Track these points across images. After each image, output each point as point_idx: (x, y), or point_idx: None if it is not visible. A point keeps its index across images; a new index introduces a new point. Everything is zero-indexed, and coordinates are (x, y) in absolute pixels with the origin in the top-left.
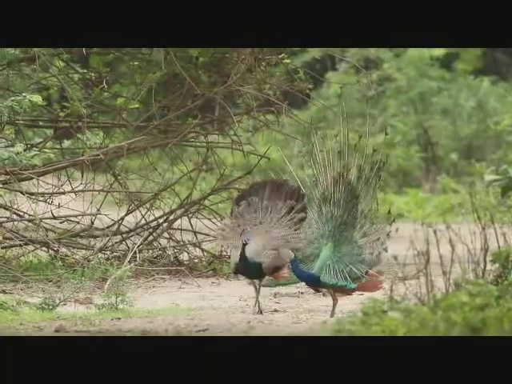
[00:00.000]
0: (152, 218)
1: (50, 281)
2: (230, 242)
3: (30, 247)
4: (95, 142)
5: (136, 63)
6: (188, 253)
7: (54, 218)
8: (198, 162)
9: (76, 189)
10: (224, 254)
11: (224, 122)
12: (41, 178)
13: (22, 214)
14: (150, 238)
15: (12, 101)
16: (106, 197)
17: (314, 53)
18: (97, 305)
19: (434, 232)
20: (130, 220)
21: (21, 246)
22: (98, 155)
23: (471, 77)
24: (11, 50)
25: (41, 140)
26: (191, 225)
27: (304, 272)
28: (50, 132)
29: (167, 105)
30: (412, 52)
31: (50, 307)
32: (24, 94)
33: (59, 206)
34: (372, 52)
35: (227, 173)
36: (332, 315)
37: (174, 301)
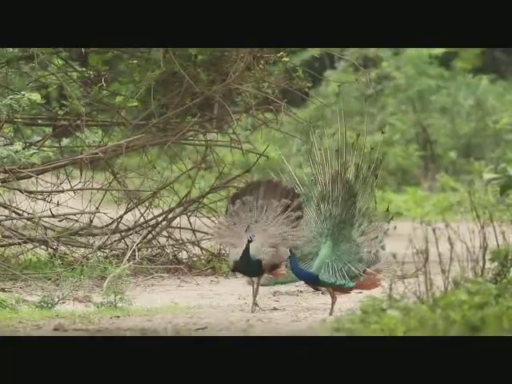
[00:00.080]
0: (151, 216)
1: (49, 279)
2: (227, 240)
3: (29, 245)
4: (94, 141)
5: (135, 61)
6: (187, 251)
7: (53, 216)
8: (197, 161)
9: (75, 187)
10: (223, 252)
11: (223, 120)
12: (40, 177)
13: (20, 212)
14: (149, 236)
15: (11, 99)
16: (104, 195)
17: (313, 51)
18: (96, 303)
19: (433, 230)
20: (129, 218)
21: (20, 244)
22: (97, 153)
23: (470, 75)
24: (10, 49)
25: (39, 138)
26: (190, 223)
27: (303, 271)
28: (48, 130)
29: (166, 103)
30: (411, 50)
31: (49, 305)
32: (23, 93)
33: (58, 205)
34: (371, 50)
35: (226, 171)
36: (331, 313)
37: (172, 299)
